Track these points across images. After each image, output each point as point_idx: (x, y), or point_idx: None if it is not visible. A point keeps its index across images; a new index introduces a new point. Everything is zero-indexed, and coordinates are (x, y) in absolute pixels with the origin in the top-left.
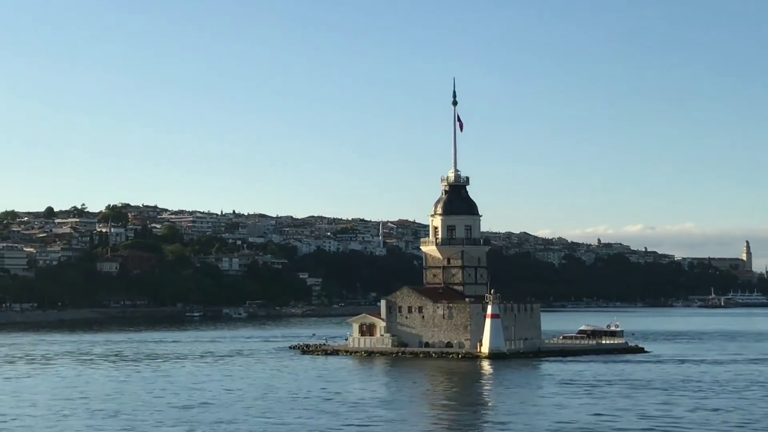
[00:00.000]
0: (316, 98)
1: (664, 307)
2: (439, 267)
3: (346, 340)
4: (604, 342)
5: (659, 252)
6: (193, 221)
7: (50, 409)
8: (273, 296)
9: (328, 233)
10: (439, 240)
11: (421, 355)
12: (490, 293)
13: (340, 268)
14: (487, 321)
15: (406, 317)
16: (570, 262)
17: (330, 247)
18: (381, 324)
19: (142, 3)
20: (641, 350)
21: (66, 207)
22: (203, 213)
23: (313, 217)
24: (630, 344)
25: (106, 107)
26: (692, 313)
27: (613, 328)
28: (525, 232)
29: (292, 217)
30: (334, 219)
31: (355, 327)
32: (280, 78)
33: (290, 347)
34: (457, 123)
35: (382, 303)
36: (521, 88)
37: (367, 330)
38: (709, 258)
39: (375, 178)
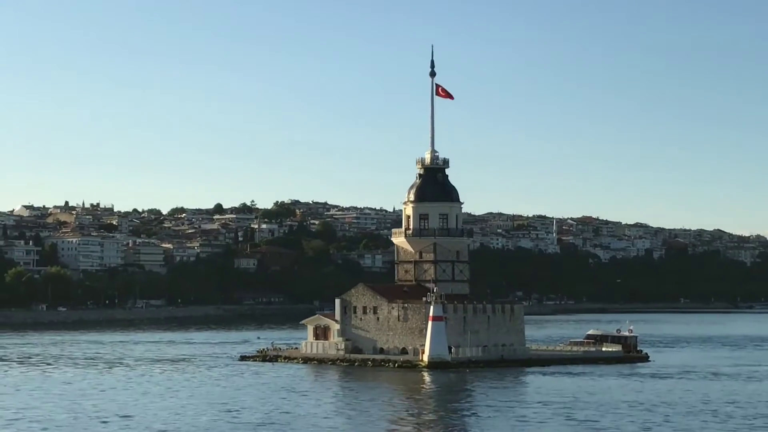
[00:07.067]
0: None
1: None
2: (411, 262)
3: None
4: (604, 349)
5: None
6: (357, 217)
7: None
8: None
9: (499, 230)
10: (410, 231)
11: (356, 364)
12: (432, 291)
13: (499, 265)
14: (429, 324)
15: (361, 319)
16: (764, 261)
17: (496, 244)
18: (335, 327)
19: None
20: (644, 359)
21: (236, 204)
22: (371, 209)
23: (491, 213)
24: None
25: (300, 107)
26: None
27: (625, 334)
28: (719, 230)
29: (469, 213)
30: (513, 215)
31: (310, 330)
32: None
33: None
34: (438, 95)
35: (337, 302)
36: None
37: (322, 333)
38: None
39: (556, 173)
